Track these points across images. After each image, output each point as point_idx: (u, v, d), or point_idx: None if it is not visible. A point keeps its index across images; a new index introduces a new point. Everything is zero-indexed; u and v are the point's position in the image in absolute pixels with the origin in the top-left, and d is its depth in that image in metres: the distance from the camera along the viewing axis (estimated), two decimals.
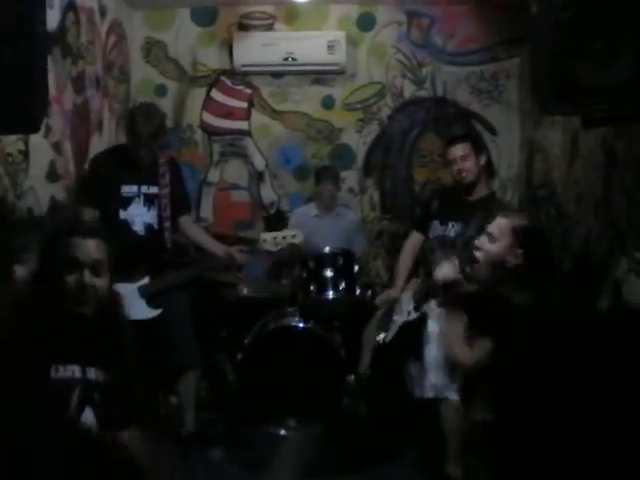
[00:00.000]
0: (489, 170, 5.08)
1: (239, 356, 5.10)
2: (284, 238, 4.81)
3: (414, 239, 5.07)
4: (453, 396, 4.30)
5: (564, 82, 3.07)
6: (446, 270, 3.31)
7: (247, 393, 5.10)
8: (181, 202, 4.91)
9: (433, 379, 4.33)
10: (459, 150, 4.70)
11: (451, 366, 4.30)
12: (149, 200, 4.70)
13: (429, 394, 4.34)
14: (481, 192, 4.77)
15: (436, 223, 4.82)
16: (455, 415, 4.26)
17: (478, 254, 3.15)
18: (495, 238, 3.14)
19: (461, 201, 4.79)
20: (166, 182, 4.74)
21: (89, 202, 4.68)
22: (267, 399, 5.06)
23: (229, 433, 5.06)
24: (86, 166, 5.12)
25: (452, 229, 4.70)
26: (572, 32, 3.03)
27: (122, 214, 4.65)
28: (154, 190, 4.71)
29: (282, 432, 5.02)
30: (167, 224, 4.74)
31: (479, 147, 4.87)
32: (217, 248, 4.93)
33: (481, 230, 4.40)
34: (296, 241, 4.90)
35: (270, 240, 4.79)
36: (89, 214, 4.65)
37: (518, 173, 6.53)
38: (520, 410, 3.06)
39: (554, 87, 3.12)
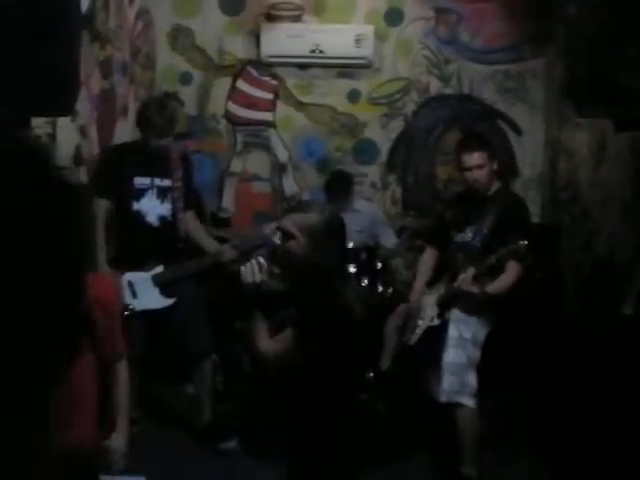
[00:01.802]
0: (503, 168, 4.97)
1: None
2: None
3: (429, 255, 4.97)
4: (468, 402, 4.30)
5: (599, 85, 3.05)
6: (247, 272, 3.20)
7: (264, 385, 5.08)
8: (189, 197, 4.90)
9: (447, 384, 4.33)
10: (476, 159, 4.59)
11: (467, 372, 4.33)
12: (162, 192, 4.70)
13: (442, 399, 4.34)
14: (493, 188, 4.69)
15: (454, 233, 4.76)
16: (470, 420, 4.28)
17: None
18: (289, 235, 3.03)
19: (474, 204, 4.72)
20: (179, 175, 4.75)
21: (102, 194, 4.68)
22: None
23: (245, 425, 5.06)
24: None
25: (469, 233, 4.66)
26: (609, 35, 3.01)
27: (135, 206, 4.65)
28: (167, 183, 4.72)
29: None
30: (181, 215, 4.75)
31: (494, 153, 4.76)
32: (209, 246, 4.90)
33: (497, 226, 4.42)
34: None
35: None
36: (102, 206, 4.66)
37: (542, 173, 6.50)
38: None
39: (589, 90, 3.11)
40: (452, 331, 4.42)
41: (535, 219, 6.29)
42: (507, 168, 6.45)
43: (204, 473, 4.52)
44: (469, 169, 4.57)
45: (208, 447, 4.77)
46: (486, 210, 4.54)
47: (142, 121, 4.65)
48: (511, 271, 4.34)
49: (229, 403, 5.26)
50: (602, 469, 3.87)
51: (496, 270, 4.32)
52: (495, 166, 4.62)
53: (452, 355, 4.36)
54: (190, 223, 4.92)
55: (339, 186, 5.88)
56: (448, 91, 6.63)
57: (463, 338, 4.40)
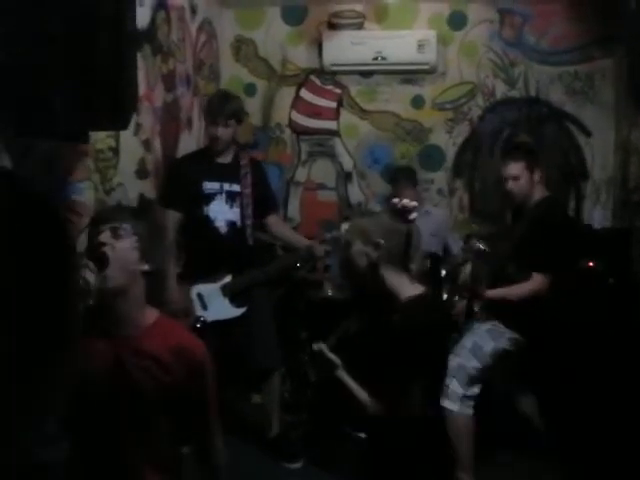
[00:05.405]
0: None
1: None
2: None
3: None
4: (451, 406, 4.27)
5: None
6: None
7: (330, 395, 5.05)
8: (268, 201, 4.93)
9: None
10: (511, 170, 4.60)
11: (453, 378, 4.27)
12: (231, 198, 4.72)
13: (444, 402, 4.25)
14: (535, 198, 4.63)
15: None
16: (454, 425, 4.23)
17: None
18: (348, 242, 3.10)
19: (517, 215, 4.75)
20: (248, 181, 4.76)
21: (172, 203, 4.71)
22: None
23: (311, 436, 5.04)
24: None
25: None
26: None
27: (204, 210, 4.69)
28: (236, 188, 4.74)
29: (364, 436, 4.96)
30: (249, 221, 4.75)
31: (535, 164, 4.68)
32: (299, 241, 4.92)
33: (525, 236, 4.37)
34: None
35: None
36: (173, 217, 4.68)
37: (612, 176, 6.34)
38: None
39: None
40: (457, 338, 4.47)
41: (607, 223, 6.18)
42: (576, 171, 6.36)
43: None
44: (506, 179, 4.58)
45: (276, 460, 4.77)
46: (522, 220, 4.54)
47: (206, 114, 4.76)
48: (528, 283, 4.31)
49: (296, 413, 5.24)
50: None
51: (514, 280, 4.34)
52: (537, 177, 4.58)
53: (449, 360, 4.32)
54: (275, 225, 5.01)
55: (404, 176, 5.97)
56: (514, 94, 6.52)
57: (461, 345, 4.42)
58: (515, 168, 4.56)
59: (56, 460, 2.52)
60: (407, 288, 3.08)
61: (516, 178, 4.55)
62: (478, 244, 4.31)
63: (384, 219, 3.13)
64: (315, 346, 3.13)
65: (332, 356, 3.10)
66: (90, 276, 2.33)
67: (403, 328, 2.93)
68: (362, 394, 3.02)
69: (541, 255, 4.29)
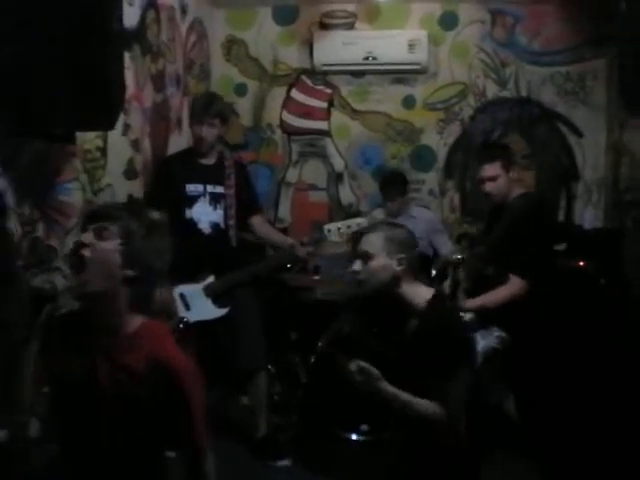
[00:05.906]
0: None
1: (312, 359, 5.03)
2: (349, 227, 4.67)
3: None
4: None
5: None
6: None
7: (320, 397, 5.03)
8: (252, 203, 4.90)
9: None
10: (486, 171, 4.57)
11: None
12: (215, 199, 4.69)
13: None
14: (512, 196, 4.62)
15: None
16: None
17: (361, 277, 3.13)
18: (370, 256, 3.09)
19: (496, 214, 4.71)
20: (232, 183, 4.73)
21: (156, 204, 4.67)
22: (340, 403, 4.98)
23: (301, 437, 5.01)
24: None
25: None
26: None
27: (187, 213, 4.66)
28: (220, 190, 4.71)
29: (354, 437, 4.95)
30: (232, 222, 4.73)
31: (510, 163, 4.66)
32: (283, 241, 4.90)
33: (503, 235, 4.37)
34: None
35: (334, 230, 4.68)
36: (155, 216, 4.65)
37: (604, 176, 6.33)
38: None
39: None
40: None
41: (598, 223, 6.18)
42: (568, 172, 6.35)
43: None
44: (482, 181, 4.56)
45: (263, 460, 4.74)
46: (500, 219, 4.53)
47: (191, 114, 4.76)
48: (505, 288, 4.29)
49: (286, 415, 5.21)
50: None
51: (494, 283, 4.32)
52: (513, 175, 4.57)
53: None
54: (259, 226, 4.96)
55: (393, 186, 5.86)
56: (505, 95, 6.50)
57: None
58: (491, 169, 4.54)
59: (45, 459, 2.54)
60: (422, 292, 3.11)
61: (493, 179, 4.53)
62: (455, 256, 4.30)
63: (399, 232, 3.18)
64: (352, 365, 3.03)
65: (374, 370, 3.01)
66: (59, 279, 2.21)
67: (428, 330, 2.93)
68: (423, 403, 2.94)
69: (518, 256, 4.26)
